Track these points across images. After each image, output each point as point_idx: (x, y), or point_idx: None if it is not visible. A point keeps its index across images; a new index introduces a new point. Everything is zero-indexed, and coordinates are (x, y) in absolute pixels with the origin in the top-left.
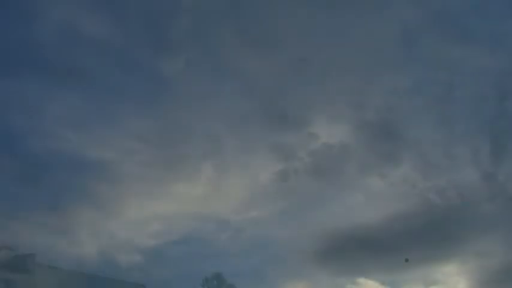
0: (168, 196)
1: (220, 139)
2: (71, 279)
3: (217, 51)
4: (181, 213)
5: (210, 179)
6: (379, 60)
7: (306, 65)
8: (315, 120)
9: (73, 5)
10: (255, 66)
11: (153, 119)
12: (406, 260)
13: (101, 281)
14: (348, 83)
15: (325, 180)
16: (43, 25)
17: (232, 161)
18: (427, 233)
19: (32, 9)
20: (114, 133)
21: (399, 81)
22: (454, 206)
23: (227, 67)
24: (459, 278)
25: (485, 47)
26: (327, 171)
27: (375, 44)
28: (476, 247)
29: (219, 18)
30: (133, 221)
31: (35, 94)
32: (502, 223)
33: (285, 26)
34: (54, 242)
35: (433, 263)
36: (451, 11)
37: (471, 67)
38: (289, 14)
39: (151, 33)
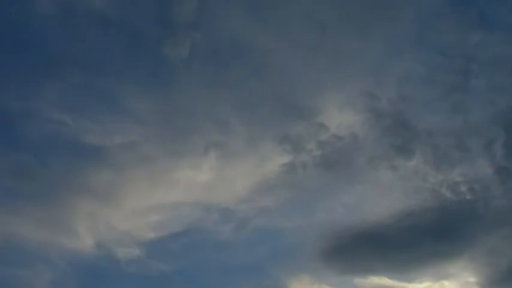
0: (170, 184)
1: (226, 126)
2: None
3: (224, 36)
4: (183, 203)
5: (214, 167)
6: (392, 48)
7: (316, 52)
8: (325, 109)
9: None
10: (262, 53)
11: (156, 103)
12: None
13: None
14: (360, 71)
15: (334, 172)
16: (40, 1)
17: (239, 149)
18: (438, 229)
19: None
20: (115, 117)
21: (413, 70)
22: (466, 201)
23: (234, 53)
24: (468, 275)
25: (504, 33)
26: (336, 164)
27: (387, 30)
28: (487, 244)
29: (227, 2)
30: (133, 211)
31: (29, 74)
32: None
33: (294, 12)
34: (48, 234)
35: (443, 259)
36: None
37: (488, 55)
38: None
39: (157, 15)
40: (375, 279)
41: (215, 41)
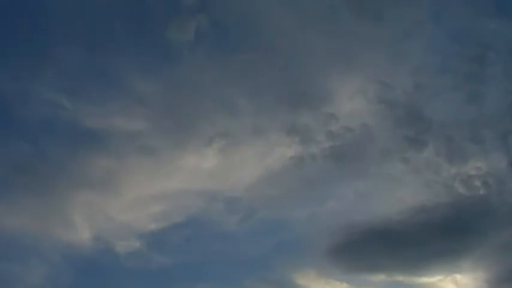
0: (173, 172)
1: (231, 112)
2: None
3: (231, 19)
4: (186, 192)
5: (219, 154)
6: (406, 35)
7: (327, 37)
8: (335, 98)
9: None
10: (271, 37)
11: (160, 85)
12: None
13: None
14: (372, 58)
15: (344, 165)
16: None
17: (245, 138)
18: (450, 225)
19: None
20: (116, 99)
21: (427, 58)
22: (479, 196)
23: (241, 37)
24: (480, 271)
25: None
26: (345, 156)
27: (402, 17)
28: (500, 240)
29: None
30: (133, 201)
31: (24, 52)
32: None
33: None
34: (42, 225)
35: (454, 256)
36: None
37: (505, 42)
38: None
39: None
40: (383, 277)
41: (222, 24)
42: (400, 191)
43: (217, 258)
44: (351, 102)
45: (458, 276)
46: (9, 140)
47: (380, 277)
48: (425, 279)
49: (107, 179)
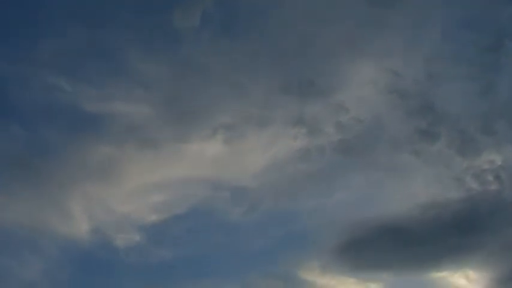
0: (176, 160)
1: (237, 100)
2: None
3: (237, 5)
4: (190, 180)
5: (224, 142)
6: (420, 22)
7: (336, 22)
8: (344, 88)
9: None
10: (278, 23)
11: (164, 67)
12: None
13: None
14: (384, 46)
15: (353, 158)
16: None
17: (250, 127)
18: (460, 222)
19: None
20: (117, 81)
21: (441, 47)
22: (491, 191)
23: (247, 23)
24: (487, 269)
25: None
26: (355, 148)
27: (414, 3)
28: (508, 238)
29: None
30: (133, 191)
31: (19, 30)
32: None
33: None
34: (38, 217)
35: (463, 253)
36: None
37: None
38: None
39: None
40: (391, 273)
41: (227, 10)
42: (411, 185)
43: (220, 252)
44: (361, 91)
45: (468, 273)
46: (3, 126)
47: (388, 273)
48: (434, 276)
49: (106, 168)
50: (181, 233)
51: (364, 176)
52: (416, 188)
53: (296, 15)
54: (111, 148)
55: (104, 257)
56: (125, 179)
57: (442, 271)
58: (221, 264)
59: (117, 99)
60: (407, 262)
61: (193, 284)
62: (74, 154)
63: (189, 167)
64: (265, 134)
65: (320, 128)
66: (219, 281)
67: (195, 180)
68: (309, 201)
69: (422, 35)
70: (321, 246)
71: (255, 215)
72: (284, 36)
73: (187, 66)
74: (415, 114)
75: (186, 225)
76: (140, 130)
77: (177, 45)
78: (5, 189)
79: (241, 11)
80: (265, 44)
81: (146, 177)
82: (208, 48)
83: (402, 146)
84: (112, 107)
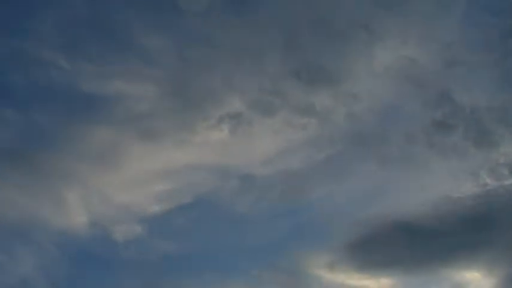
0: (180, 145)
1: (243, 84)
2: None
3: None
4: (195, 168)
5: (233, 124)
6: (439, 7)
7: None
8: (356, 76)
9: None
10: (285, 5)
11: (169, 44)
12: None
13: None
14: (400, 31)
15: (365, 150)
16: None
17: (256, 115)
18: (474, 217)
19: None
20: (119, 57)
21: (460, 33)
22: (506, 186)
23: (254, 6)
24: (500, 267)
25: None
26: (367, 140)
27: None
28: None
29: None
30: (134, 179)
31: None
32: None
33: None
34: (31, 208)
35: (475, 249)
36: None
37: None
38: None
39: None
40: (401, 270)
41: None
42: (424, 179)
43: (226, 245)
44: (375, 80)
45: (480, 270)
46: None
47: (398, 269)
48: (446, 272)
49: (105, 154)
50: (185, 225)
51: (376, 169)
52: (429, 182)
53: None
54: (110, 132)
55: (102, 251)
56: (125, 167)
57: (455, 268)
58: (226, 258)
59: (118, 79)
60: (418, 258)
61: (197, 278)
62: (71, 139)
63: (193, 154)
64: (272, 123)
65: (331, 117)
66: (225, 275)
67: (200, 168)
68: (318, 193)
69: (441, 20)
70: (331, 239)
71: (262, 205)
72: (295, 18)
73: (193, 39)
74: (432, 104)
75: (191, 216)
76: (143, 113)
77: (183, 17)
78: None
79: None
80: (275, 27)
81: (148, 165)
82: (215, 25)
83: (417, 138)
84: (112, 86)
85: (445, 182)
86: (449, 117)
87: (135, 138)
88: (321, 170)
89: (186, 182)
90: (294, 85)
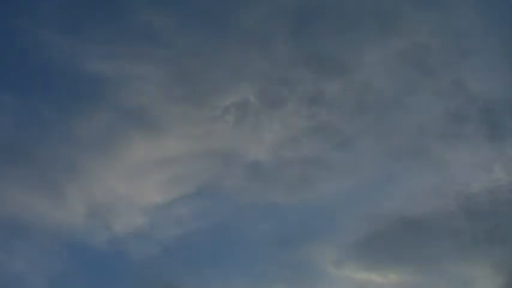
0: (185, 132)
1: (248, 70)
2: None
3: None
4: (199, 155)
5: (240, 113)
6: None
7: None
8: (367, 64)
9: None
10: None
11: (174, 20)
12: None
13: None
14: (412, 18)
15: (376, 143)
16: None
17: (262, 105)
18: (485, 214)
19: None
20: (122, 36)
21: (475, 21)
22: None
23: None
24: (507, 266)
25: None
26: (377, 129)
27: None
28: None
29: None
30: (135, 167)
31: None
32: None
33: None
34: (25, 200)
35: (486, 247)
36: None
37: None
38: None
39: None
40: (410, 268)
41: None
42: (435, 172)
43: (231, 238)
44: (386, 69)
45: (490, 267)
46: None
47: (407, 266)
48: (455, 269)
49: (104, 142)
50: (189, 216)
51: (385, 161)
52: (440, 176)
53: None
54: (110, 116)
55: (101, 244)
56: (125, 155)
57: (465, 264)
58: (231, 252)
59: (120, 58)
60: (427, 254)
61: (200, 272)
62: (68, 125)
63: (198, 140)
64: (281, 111)
65: (341, 107)
66: (229, 269)
67: (204, 156)
68: (326, 186)
69: (455, 7)
70: (339, 233)
71: (268, 196)
72: (305, 5)
73: (200, 16)
74: (445, 94)
75: (195, 207)
76: (146, 100)
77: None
78: None
79: None
80: (284, 13)
81: (150, 154)
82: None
83: (429, 129)
84: (114, 67)
85: (456, 177)
86: (462, 108)
87: (135, 123)
88: (329, 162)
89: (189, 170)
90: (303, 73)
